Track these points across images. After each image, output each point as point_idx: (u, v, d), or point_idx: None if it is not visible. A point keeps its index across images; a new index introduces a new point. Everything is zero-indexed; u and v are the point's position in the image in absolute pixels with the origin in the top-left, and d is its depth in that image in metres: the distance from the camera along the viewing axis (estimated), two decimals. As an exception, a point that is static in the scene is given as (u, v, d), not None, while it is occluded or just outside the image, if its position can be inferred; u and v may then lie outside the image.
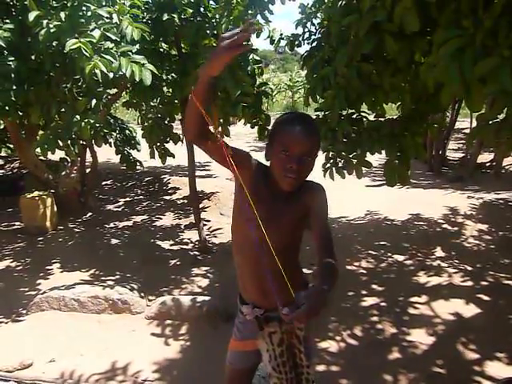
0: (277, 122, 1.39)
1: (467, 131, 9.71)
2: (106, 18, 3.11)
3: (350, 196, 6.29)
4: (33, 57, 3.45)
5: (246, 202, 1.37)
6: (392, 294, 3.53)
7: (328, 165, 3.13)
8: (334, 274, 1.26)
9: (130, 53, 3.20)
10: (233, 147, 1.34)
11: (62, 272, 4.19)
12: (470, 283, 3.66)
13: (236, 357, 1.60)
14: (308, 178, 1.39)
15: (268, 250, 1.40)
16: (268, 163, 1.42)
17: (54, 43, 3.18)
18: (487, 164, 8.17)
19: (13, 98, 3.36)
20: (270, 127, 1.42)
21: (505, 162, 7.87)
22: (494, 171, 7.77)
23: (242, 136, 12.87)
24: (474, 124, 7.55)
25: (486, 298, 3.38)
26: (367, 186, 7.27)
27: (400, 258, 4.30)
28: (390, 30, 2.11)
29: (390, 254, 4.39)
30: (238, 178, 1.37)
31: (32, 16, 2.91)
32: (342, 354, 2.75)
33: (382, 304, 3.38)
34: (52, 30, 2.90)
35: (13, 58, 3.29)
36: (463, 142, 10.65)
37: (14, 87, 3.33)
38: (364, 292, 3.59)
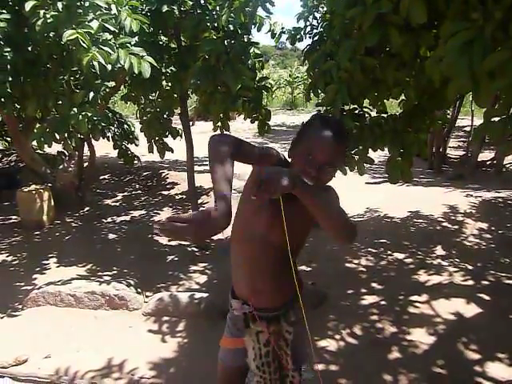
0: (308, 122, 1.35)
1: (468, 129, 9.67)
2: (105, 8, 3.05)
3: (350, 193, 6.22)
4: (29, 48, 3.38)
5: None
6: (392, 292, 3.49)
7: (329, 161, 3.08)
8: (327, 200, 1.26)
9: (129, 45, 3.14)
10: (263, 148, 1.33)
11: (58, 267, 4.15)
12: (470, 282, 3.62)
13: (227, 354, 1.56)
14: None
15: (269, 250, 1.36)
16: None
17: (51, 34, 3.12)
18: (488, 162, 8.13)
19: (9, 90, 3.31)
20: (301, 127, 1.37)
21: (505, 160, 7.83)
22: (495, 169, 7.73)
23: (241, 131, 12.81)
24: (475, 122, 7.50)
25: (486, 297, 3.34)
26: (367, 183, 7.23)
27: (400, 256, 4.26)
28: (396, 22, 2.05)
29: (389, 252, 4.35)
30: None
31: (29, 6, 2.85)
32: (342, 353, 2.72)
33: (382, 303, 3.34)
34: (49, 21, 2.84)
35: (9, 49, 3.22)
36: (464, 139, 10.60)
37: (10, 79, 3.27)
38: (364, 290, 3.55)
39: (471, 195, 6.14)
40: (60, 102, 3.51)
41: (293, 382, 1.44)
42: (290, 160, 1.35)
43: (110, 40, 3.00)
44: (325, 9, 3.49)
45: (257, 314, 1.43)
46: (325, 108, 3.00)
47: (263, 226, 1.34)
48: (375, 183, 7.20)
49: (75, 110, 3.37)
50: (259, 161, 1.29)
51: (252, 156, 1.29)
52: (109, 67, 2.97)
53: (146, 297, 3.50)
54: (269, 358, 1.41)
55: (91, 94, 3.47)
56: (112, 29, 3.02)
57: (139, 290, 3.51)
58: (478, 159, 7.88)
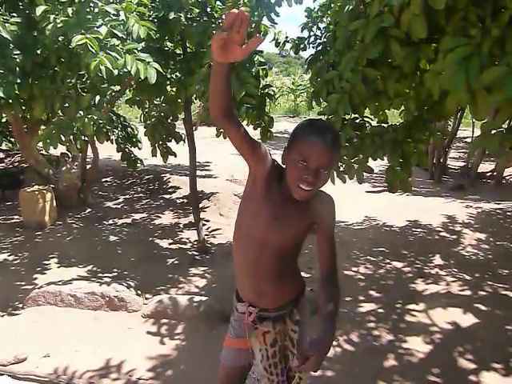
0: (299, 128, 1.34)
1: (469, 140, 9.72)
2: (113, 15, 3.12)
3: (350, 201, 6.29)
4: (38, 51, 3.45)
5: (256, 196, 1.36)
6: (389, 300, 3.52)
7: (329, 169, 3.12)
8: (337, 305, 1.28)
9: (136, 50, 3.20)
10: (257, 140, 1.31)
11: (59, 267, 4.18)
12: (468, 292, 3.65)
13: (229, 354, 1.59)
14: None
15: (268, 250, 1.40)
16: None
17: (60, 38, 3.19)
18: (488, 174, 8.17)
19: (17, 92, 3.36)
20: (291, 133, 1.39)
21: (505, 172, 7.88)
22: (495, 181, 7.77)
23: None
24: (476, 133, 7.55)
25: (483, 307, 3.37)
26: (367, 191, 7.27)
27: (398, 264, 4.29)
28: (397, 36, 2.11)
29: (388, 261, 4.38)
30: (252, 167, 1.34)
31: (39, 10, 2.92)
32: (338, 359, 2.74)
33: (380, 310, 3.37)
34: (59, 25, 2.91)
35: (18, 52, 3.29)
36: (464, 150, 10.66)
37: (19, 81, 3.33)
38: (361, 298, 3.58)
39: (470, 206, 6.18)
40: (67, 105, 3.57)
41: (299, 383, 1.46)
42: (284, 166, 1.36)
43: (117, 45, 3.06)
44: (329, 19, 3.56)
45: (262, 315, 1.46)
46: (327, 116, 3.05)
47: (262, 227, 1.38)
48: (375, 192, 7.24)
49: (81, 112, 3.42)
50: (251, 149, 1.29)
51: (245, 136, 1.28)
52: (115, 72, 3.03)
53: (146, 299, 3.53)
54: (276, 359, 1.43)
55: (97, 98, 3.53)
56: (120, 35, 3.08)
57: (139, 291, 3.54)
58: (479, 170, 7.93)
